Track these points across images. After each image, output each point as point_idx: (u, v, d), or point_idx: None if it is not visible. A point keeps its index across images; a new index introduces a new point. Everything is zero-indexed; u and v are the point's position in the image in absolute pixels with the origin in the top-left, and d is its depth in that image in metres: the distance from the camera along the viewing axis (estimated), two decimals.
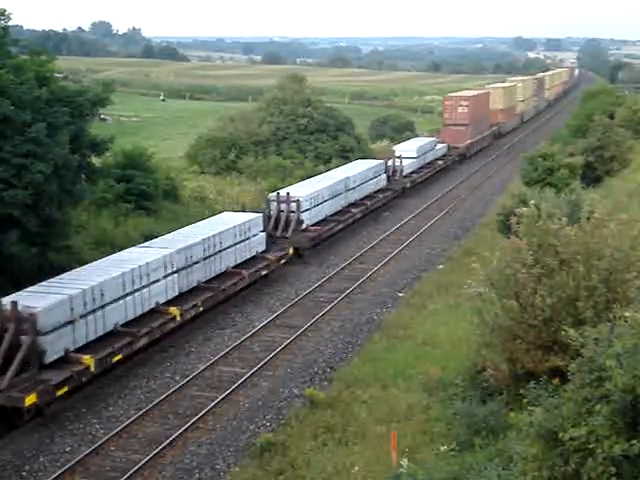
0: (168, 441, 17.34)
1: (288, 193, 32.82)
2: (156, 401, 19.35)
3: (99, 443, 17.24)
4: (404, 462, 14.47)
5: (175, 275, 23.65)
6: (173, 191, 38.87)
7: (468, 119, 60.34)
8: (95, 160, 27.62)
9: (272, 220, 31.92)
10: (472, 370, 18.12)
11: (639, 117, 61.11)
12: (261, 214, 30.30)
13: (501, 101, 73.21)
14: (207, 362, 21.84)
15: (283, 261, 29.84)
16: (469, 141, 61.06)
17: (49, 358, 18.58)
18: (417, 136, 63.50)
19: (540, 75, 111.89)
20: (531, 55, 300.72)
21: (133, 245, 25.71)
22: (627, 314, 10.48)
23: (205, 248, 25.44)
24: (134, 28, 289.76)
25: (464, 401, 16.75)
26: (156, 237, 26.40)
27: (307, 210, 33.13)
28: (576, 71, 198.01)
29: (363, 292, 28.47)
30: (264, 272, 28.55)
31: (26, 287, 20.00)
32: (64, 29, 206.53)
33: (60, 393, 18.19)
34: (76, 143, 24.60)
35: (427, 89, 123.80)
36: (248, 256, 28.29)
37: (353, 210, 37.94)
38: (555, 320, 15.19)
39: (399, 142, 56.08)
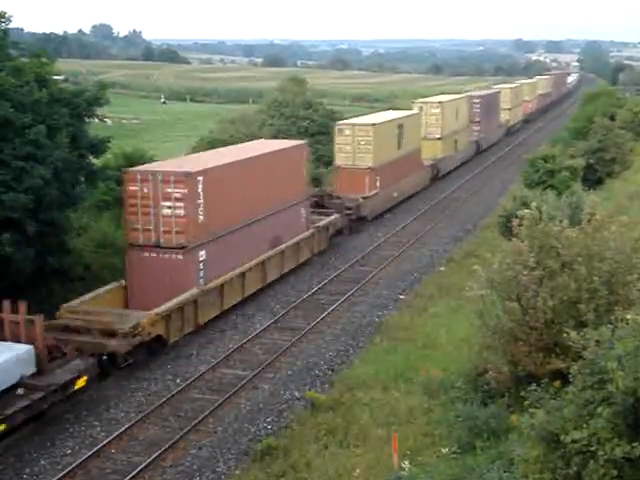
0: (169, 444, 17.32)
1: None
2: (157, 404, 19.33)
3: (100, 446, 17.21)
4: (405, 464, 14.46)
5: None
6: None
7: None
8: (94, 161, 27.61)
9: None
10: (473, 372, 18.09)
11: None
12: None
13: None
14: (208, 365, 21.82)
15: None
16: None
17: None
18: None
19: (492, 90, 77.78)
20: (535, 57, 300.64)
21: None
22: (629, 316, 10.48)
23: None
24: (135, 31, 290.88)
25: (465, 403, 16.72)
26: None
27: None
28: (570, 77, 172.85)
29: (364, 294, 28.45)
30: None
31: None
32: (65, 32, 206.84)
33: None
34: (75, 144, 24.62)
35: (428, 91, 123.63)
36: None
37: None
38: (556, 322, 15.17)
39: None
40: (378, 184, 39.45)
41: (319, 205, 36.17)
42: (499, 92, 75.06)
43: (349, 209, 36.96)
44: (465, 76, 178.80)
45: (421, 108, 51.03)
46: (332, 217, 34.65)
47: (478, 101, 64.04)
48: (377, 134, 39.25)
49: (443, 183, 51.07)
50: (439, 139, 51.74)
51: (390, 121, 42.82)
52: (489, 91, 75.23)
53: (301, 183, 31.47)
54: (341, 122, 41.84)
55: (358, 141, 38.92)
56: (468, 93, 70.28)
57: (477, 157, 62.78)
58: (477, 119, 63.19)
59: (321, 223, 33.07)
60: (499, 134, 73.60)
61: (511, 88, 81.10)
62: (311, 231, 31.99)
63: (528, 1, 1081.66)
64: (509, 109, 77.49)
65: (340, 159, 39.49)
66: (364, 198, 38.13)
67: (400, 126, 42.89)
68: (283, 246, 29.23)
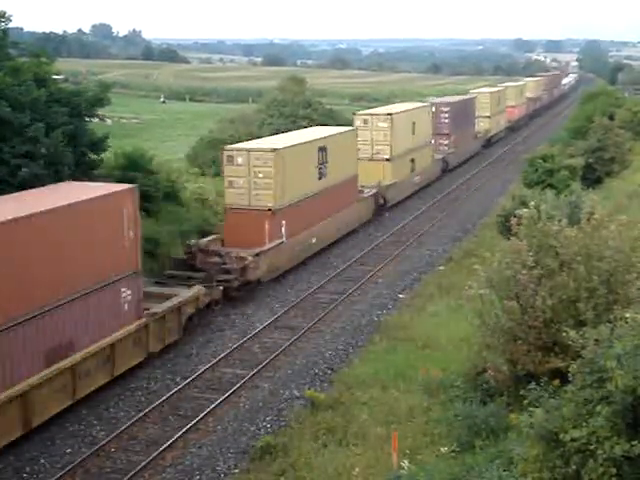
0: (169, 443, 17.33)
1: None
2: (157, 403, 19.35)
3: (100, 445, 17.23)
4: (405, 463, 14.48)
5: None
6: (174, 193, 38.87)
7: None
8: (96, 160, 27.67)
9: None
10: (473, 371, 18.12)
11: (639, 118, 61.20)
12: None
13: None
14: (208, 364, 21.84)
15: None
16: None
17: None
18: None
19: (466, 96, 67.40)
20: (534, 57, 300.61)
21: None
22: (628, 315, 10.52)
23: None
24: (134, 30, 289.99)
25: (465, 402, 16.75)
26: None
27: None
28: (567, 78, 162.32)
29: (363, 294, 28.48)
30: None
31: None
32: (64, 31, 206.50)
33: None
34: (74, 142, 24.65)
35: (427, 90, 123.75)
36: None
37: None
38: (556, 321, 15.20)
39: None
40: (284, 230, 29.29)
41: (190, 266, 26.81)
42: (474, 98, 64.70)
43: (228, 273, 26.66)
44: (464, 75, 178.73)
45: (365, 122, 41.64)
46: (187, 294, 23.53)
47: (447, 109, 54.75)
48: (281, 162, 28.78)
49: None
50: (388, 160, 41.73)
51: (303, 144, 31.82)
52: (461, 97, 64.86)
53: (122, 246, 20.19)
54: (232, 146, 30.35)
55: (255, 173, 28.51)
56: (433, 100, 60.60)
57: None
58: (445, 131, 54.25)
59: (159, 308, 21.90)
60: (475, 147, 64.02)
61: (491, 92, 70.55)
62: (139, 323, 20.95)
63: (527, 0, 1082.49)
64: (488, 117, 67.57)
65: (230, 197, 29.12)
66: (256, 255, 27.44)
67: (322, 149, 32.54)
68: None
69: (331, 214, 33.45)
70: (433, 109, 51.96)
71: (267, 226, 28.62)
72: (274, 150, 28.68)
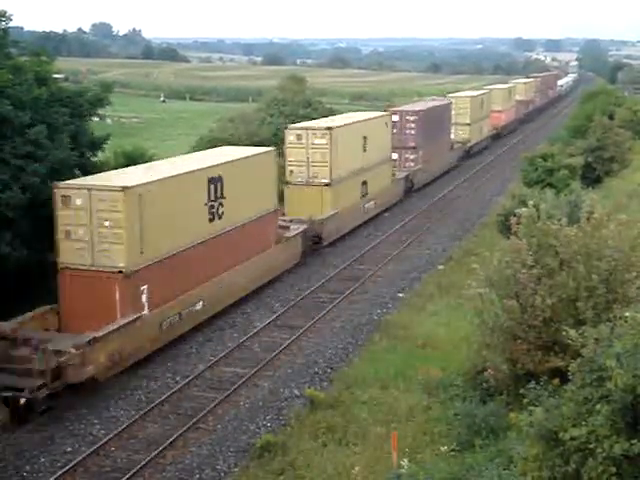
0: (169, 442, 17.33)
1: None
2: (157, 402, 19.35)
3: (100, 444, 17.23)
4: (404, 462, 14.48)
5: None
6: None
7: None
8: (94, 160, 27.65)
9: None
10: (472, 371, 18.15)
11: (639, 118, 61.27)
12: None
13: None
14: (208, 362, 21.84)
15: None
16: None
17: None
18: None
19: (439, 102, 58.42)
20: (534, 56, 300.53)
21: None
22: (627, 314, 10.53)
23: None
24: (134, 29, 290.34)
25: (464, 402, 16.78)
26: None
27: None
28: (564, 79, 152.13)
29: (363, 293, 28.48)
30: None
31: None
32: (64, 30, 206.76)
33: None
34: (75, 142, 24.65)
35: (427, 90, 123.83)
36: None
37: None
38: (555, 320, 15.23)
39: None
40: (145, 299, 21.20)
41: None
42: (450, 103, 57.19)
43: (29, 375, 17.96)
44: (464, 75, 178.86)
45: (299, 137, 33.57)
46: None
47: (414, 118, 47.05)
48: (138, 204, 20.56)
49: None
50: (328, 185, 33.52)
51: (180, 176, 23.03)
52: (434, 103, 56.18)
53: None
54: (69, 183, 21.24)
55: (100, 221, 20.35)
56: (397, 108, 51.63)
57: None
58: (412, 144, 46.82)
59: None
60: (450, 160, 56.19)
61: (471, 97, 61.93)
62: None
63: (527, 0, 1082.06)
64: (468, 124, 59.85)
65: (66, 255, 20.75)
66: (89, 342, 18.93)
67: (215, 180, 24.26)
68: None
69: (231, 267, 25.47)
70: (397, 118, 45.89)
71: (117, 295, 20.33)
72: (125, 189, 20.18)
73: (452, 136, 57.27)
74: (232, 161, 26.39)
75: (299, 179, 33.67)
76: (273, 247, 28.87)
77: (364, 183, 37.64)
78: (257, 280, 27.79)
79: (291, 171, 33.75)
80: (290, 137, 33.87)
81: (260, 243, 27.73)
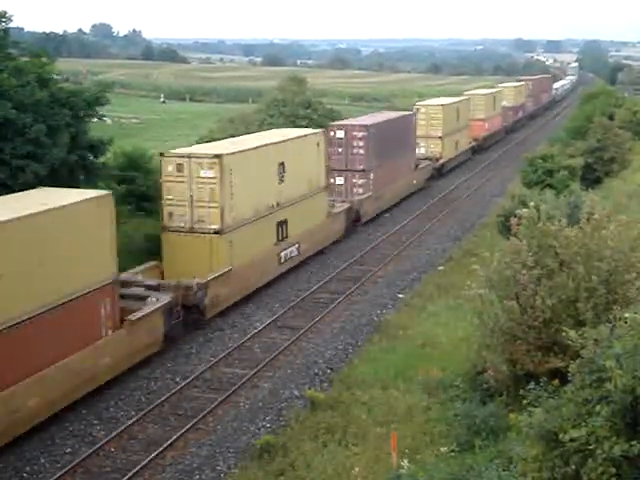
0: (169, 442, 17.34)
1: None
2: (157, 402, 19.36)
3: (100, 444, 17.25)
4: (404, 463, 14.49)
5: None
6: None
7: None
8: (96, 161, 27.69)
9: None
10: (472, 371, 18.14)
11: (639, 118, 61.26)
12: None
13: None
14: (207, 363, 21.85)
15: None
16: None
17: None
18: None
19: (400, 113, 49.11)
20: (535, 57, 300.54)
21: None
22: (627, 315, 10.52)
23: None
24: (135, 30, 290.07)
25: (464, 402, 16.77)
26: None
27: None
28: (561, 81, 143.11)
29: (363, 293, 28.49)
30: None
31: None
32: (65, 31, 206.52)
33: None
34: (74, 144, 24.67)
35: (427, 90, 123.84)
36: None
37: None
38: (555, 321, 15.23)
39: None
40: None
41: None
42: (412, 115, 47.61)
43: None
44: (464, 75, 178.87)
45: (180, 168, 24.66)
46: None
47: (362, 134, 38.19)
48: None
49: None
50: (218, 233, 24.75)
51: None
52: (389, 115, 46.45)
53: None
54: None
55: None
56: (342, 122, 42.29)
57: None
58: (359, 166, 38.16)
59: None
60: (413, 182, 46.23)
61: (443, 105, 52.91)
62: None
63: (527, 0, 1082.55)
64: (440, 137, 51.37)
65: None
66: None
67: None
68: None
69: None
70: (342, 134, 38.19)
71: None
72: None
73: (422, 151, 49.79)
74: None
75: (180, 224, 24.90)
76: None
77: (281, 224, 28.91)
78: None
79: (170, 213, 24.87)
80: (168, 167, 24.84)
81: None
